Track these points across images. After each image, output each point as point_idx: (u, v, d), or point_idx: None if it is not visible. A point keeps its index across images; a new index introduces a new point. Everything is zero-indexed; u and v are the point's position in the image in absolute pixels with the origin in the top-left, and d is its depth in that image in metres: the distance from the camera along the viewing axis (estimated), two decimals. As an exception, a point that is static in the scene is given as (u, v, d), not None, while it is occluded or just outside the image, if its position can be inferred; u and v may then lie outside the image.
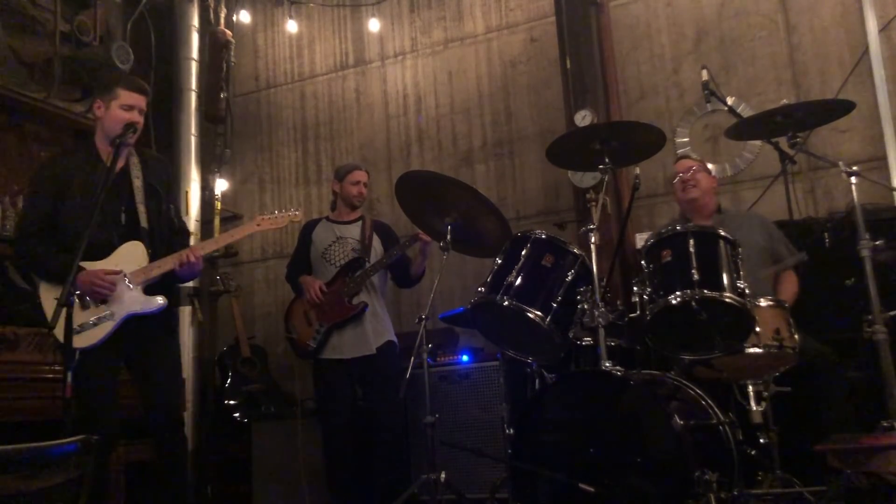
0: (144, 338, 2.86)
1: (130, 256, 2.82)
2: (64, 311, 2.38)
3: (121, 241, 2.84)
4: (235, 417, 4.48)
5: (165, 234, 2.96)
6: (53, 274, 2.74)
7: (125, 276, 2.79)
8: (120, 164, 2.87)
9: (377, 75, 5.47)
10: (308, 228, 4.00)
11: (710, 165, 3.72)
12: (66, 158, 3.00)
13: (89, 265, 2.74)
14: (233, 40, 5.14)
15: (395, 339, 3.81)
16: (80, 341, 2.66)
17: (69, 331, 2.44)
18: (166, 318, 2.95)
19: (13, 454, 1.66)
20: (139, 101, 2.89)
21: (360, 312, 3.68)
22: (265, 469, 4.09)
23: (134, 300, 2.79)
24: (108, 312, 2.76)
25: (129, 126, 2.82)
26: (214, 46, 5.06)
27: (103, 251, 2.80)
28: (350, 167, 3.97)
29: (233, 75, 5.35)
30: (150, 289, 2.85)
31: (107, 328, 2.75)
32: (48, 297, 2.77)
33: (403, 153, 5.29)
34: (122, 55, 4.41)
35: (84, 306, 2.75)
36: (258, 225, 3.06)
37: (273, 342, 5.10)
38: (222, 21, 5.17)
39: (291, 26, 5.46)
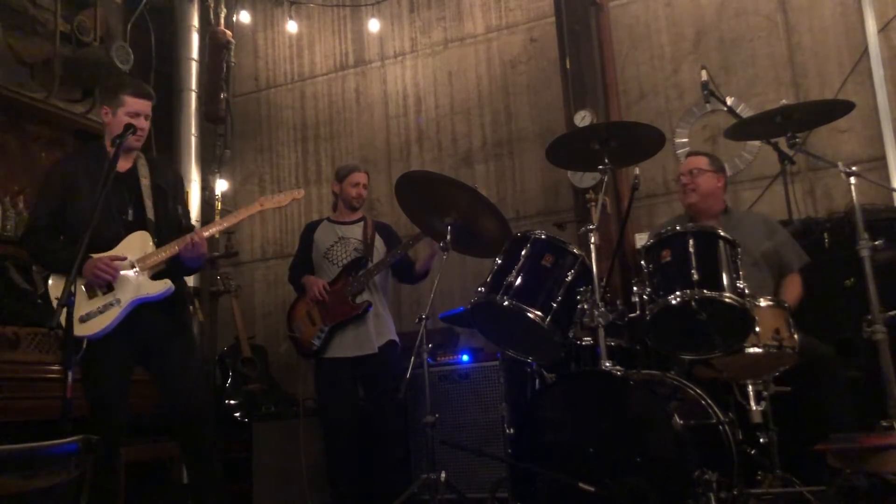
0: (156, 338, 2.89)
1: (136, 245, 2.87)
2: (64, 310, 2.39)
3: (127, 234, 2.89)
4: (236, 417, 4.48)
5: (173, 230, 2.99)
6: (63, 265, 2.78)
7: (132, 262, 2.83)
8: (127, 164, 2.99)
9: (377, 75, 5.47)
10: (310, 229, 4.00)
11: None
12: (75, 160, 3.06)
13: (96, 256, 2.80)
14: (233, 40, 5.15)
15: (396, 338, 3.81)
16: (85, 330, 2.73)
17: (70, 329, 2.45)
18: (176, 316, 2.97)
19: (13, 454, 1.66)
20: (145, 106, 2.98)
21: (363, 312, 3.68)
22: (265, 469, 4.09)
23: (140, 285, 2.82)
24: (114, 299, 2.78)
25: (129, 127, 2.87)
26: (214, 46, 5.06)
27: (110, 244, 2.85)
28: (350, 168, 3.98)
29: (233, 75, 5.35)
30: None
31: (113, 315, 2.77)
32: (57, 291, 2.80)
33: (403, 153, 5.30)
34: (122, 55, 4.41)
35: (90, 295, 2.79)
36: (261, 205, 3.09)
37: (273, 342, 5.11)
38: (222, 21, 5.17)
39: (291, 26, 5.47)
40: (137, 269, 2.84)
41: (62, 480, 1.79)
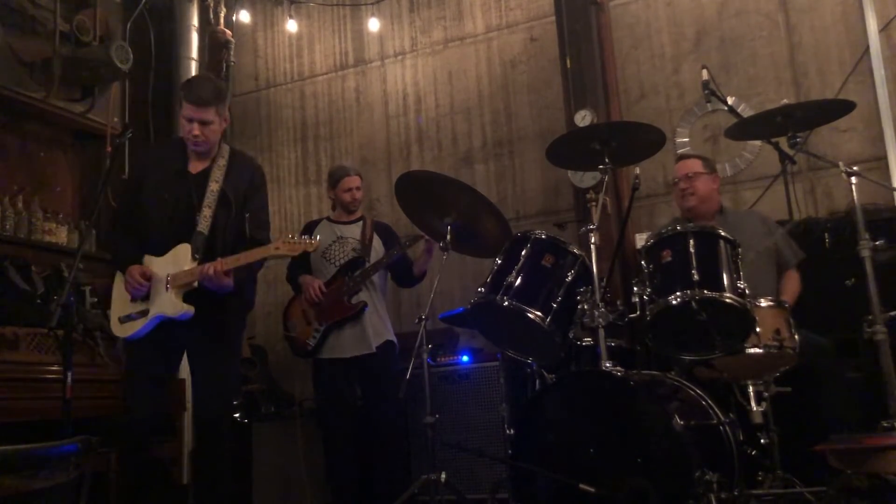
0: (190, 344, 2.93)
1: (178, 258, 2.83)
2: (62, 310, 2.41)
3: (177, 242, 2.85)
4: (235, 417, 4.47)
5: (229, 241, 2.89)
6: (117, 261, 2.90)
7: (167, 277, 2.81)
8: (202, 166, 2.95)
9: (377, 75, 5.46)
10: (308, 228, 3.99)
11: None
12: (157, 151, 3.06)
13: (149, 259, 2.86)
14: (232, 40, 5.14)
15: (394, 339, 3.81)
16: (122, 331, 2.87)
17: (70, 330, 2.46)
18: (212, 328, 2.89)
19: (13, 454, 1.66)
20: (196, 112, 2.88)
21: (359, 312, 3.67)
22: (265, 469, 4.09)
23: (165, 303, 2.79)
24: (145, 308, 2.82)
25: (127, 128, 2.89)
26: (214, 46, 5.06)
27: (166, 249, 2.85)
28: (340, 174, 3.93)
29: (232, 75, 5.34)
30: (199, 296, 2.80)
31: (141, 324, 2.81)
32: (117, 287, 2.92)
33: (403, 153, 5.29)
34: (122, 55, 4.40)
35: (133, 299, 2.85)
36: (276, 249, 2.82)
37: (273, 342, 5.10)
38: (222, 21, 5.17)
39: (291, 26, 5.46)
40: (169, 285, 2.79)
41: (62, 481, 1.78)
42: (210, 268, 2.74)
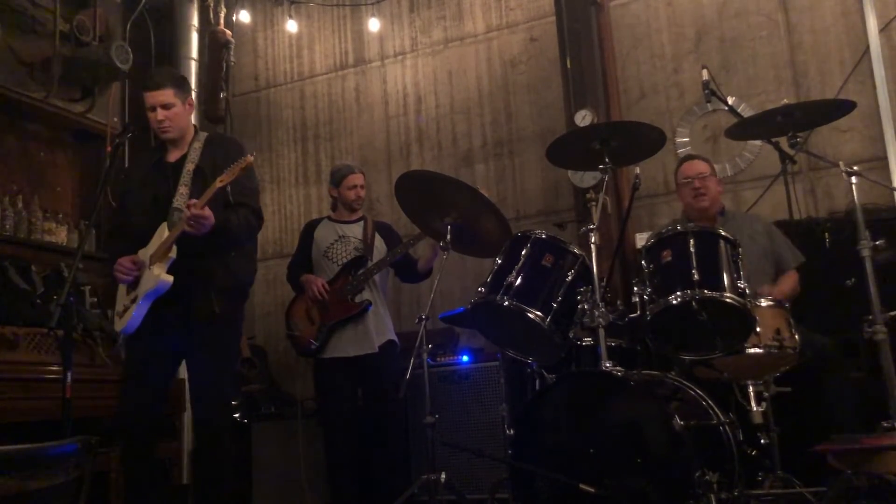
0: (182, 337, 2.91)
1: (158, 237, 2.87)
2: (62, 310, 2.41)
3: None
4: (235, 417, 4.47)
5: (217, 212, 2.81)
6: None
7: (148, 257, 2.85)
8: (179, 153, 3.01)
9: (377, 75, 5.46)
10: (310, 228, 3.99)
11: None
12: (140, 155, 3.13)
13: (142, 252, 2.89)
14: (232, 40, 5.13)
15: (395, 338, 3.81)
16: (119, 325, 2.89)
17: (69, 330, 2.46)
18: (196, 313, 2.88)
19: (13, 454, 1.66)
20: (153, 98, 2.96)
21: (362, 311, 3.67)
22: (265, 469, 4.09)
23: (147, 280, 2.82)
24: (135, 295, 2.84)
25: (127, 127, 2.92)
26: (214, 46, 5.06)
27: (148, 239, 2.89)
28: (344, 171, 3.93)
29: (232, 75, 5.34)
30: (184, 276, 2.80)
31: (131, 312, 2.82)
32: (119, 288, 2.96)
33: (403, 153, 5.29)
34: (122, 55, 4.40)
35: (127, 291, 2.90)
36: (221, 181, 2.78)
37: (273, 342, 5.10)
38: (222, 21, 5.16)
39: (291, 26, 5.46)
40: (149, 264, 2.83)
41: (62, 481, 1.78)
42: (186, 213, 2.70)
